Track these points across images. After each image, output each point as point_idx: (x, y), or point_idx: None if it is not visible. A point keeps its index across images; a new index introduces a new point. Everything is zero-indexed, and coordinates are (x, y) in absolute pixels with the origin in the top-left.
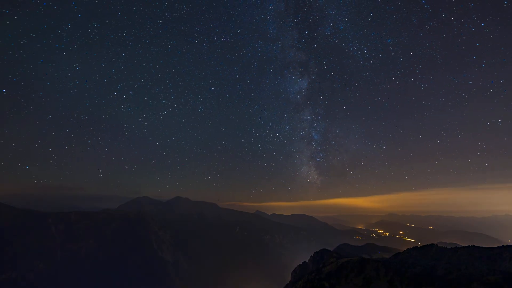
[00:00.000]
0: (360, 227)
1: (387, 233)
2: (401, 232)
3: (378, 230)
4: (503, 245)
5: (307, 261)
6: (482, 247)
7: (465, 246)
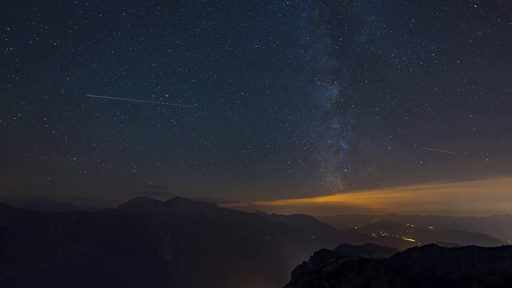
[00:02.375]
0: (360, 227)
1: (387, 233)
2: (401, 232)
3: (378, 230)
4: (503, 245)
5: (307, 261)
6: (482, 247)
7: (465, 246)
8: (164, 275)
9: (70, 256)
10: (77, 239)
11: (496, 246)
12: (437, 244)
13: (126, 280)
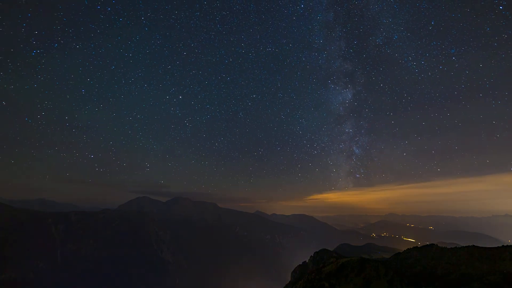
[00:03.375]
0: (360, 227)
1: (387, 233)
2: (401, 232)
3: (378, 230)
4: (503, 245)
5: (307, 261)
6: (482, 247)
7: (465, 246)
8: (164, 275)
9: (70, 256)
10: (77, 239)
11: (496, 246)
12: (437, 244)
13: (126, 280)
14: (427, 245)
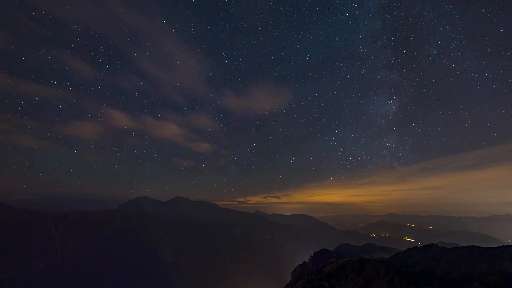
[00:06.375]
0: (360, 227)
1: (387, 233)
2: (401, 232)
3: (378, 230)
4: (503, 245)
5: (307, 261)
6: (482, 247)
7: (465, 246)
8: (164, 275)
9: (70, 256)
10: (77, 239)
11: (496, 246)
12: (437, 244)
13: (126, 280)
14: (427, 245)
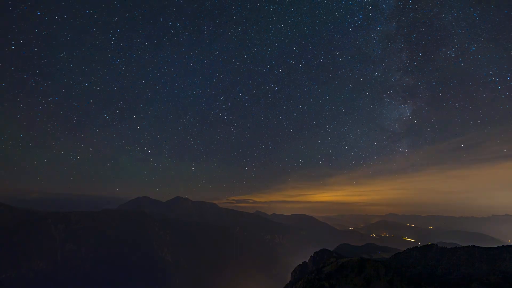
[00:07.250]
0: (360, 227)
1: (387, 233)
2: (401, 232)
3: (378, 230)
4: (503, 245)
5: (307, 261)
6: (482, 247)
7: (465, 246)
8: (164, 275)
9: (70, 256)
10: (77, 239)
11: (496, 246)
12: (437, 244)
13: (126, 280)
14: (427, 245)
